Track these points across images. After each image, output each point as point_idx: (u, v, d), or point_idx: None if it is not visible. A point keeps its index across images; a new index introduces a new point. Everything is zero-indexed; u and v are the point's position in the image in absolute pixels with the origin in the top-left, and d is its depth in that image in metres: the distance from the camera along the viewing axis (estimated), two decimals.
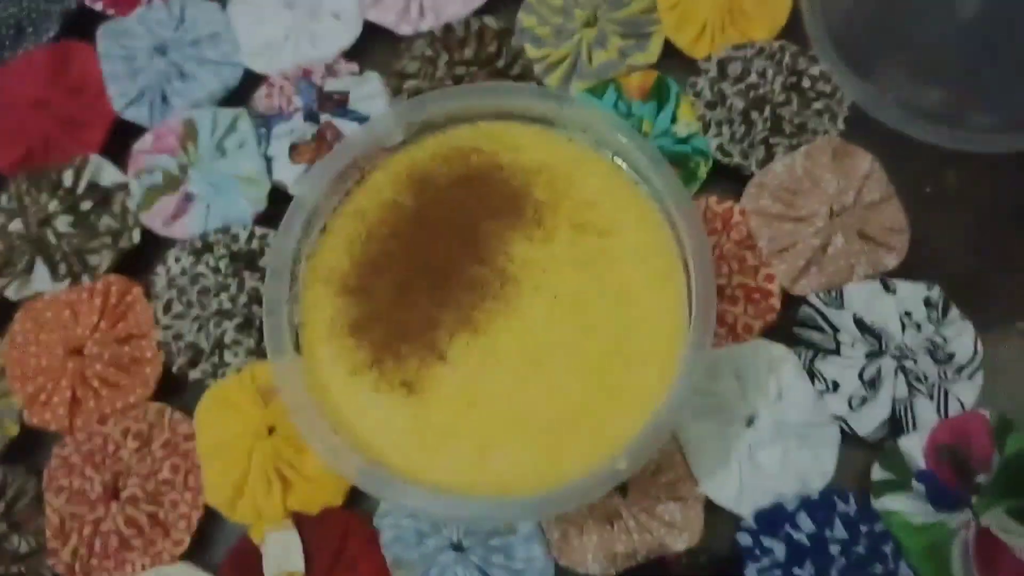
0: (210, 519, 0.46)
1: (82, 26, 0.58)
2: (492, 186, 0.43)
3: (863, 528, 0.43)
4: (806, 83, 0.50)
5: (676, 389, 0.38)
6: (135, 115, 0.54)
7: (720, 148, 0.50)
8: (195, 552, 0.45)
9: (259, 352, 0.48)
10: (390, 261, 0.41)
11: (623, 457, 0.37)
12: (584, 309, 0.40)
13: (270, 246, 0.49)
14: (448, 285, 0.41)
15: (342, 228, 0.43)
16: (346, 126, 0.52)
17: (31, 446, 0.48)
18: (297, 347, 0.41)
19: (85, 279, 0.50)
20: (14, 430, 0.47)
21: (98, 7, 0.58)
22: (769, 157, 0.49)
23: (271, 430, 0.45)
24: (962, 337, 0.45)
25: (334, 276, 0.42)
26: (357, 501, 0.45)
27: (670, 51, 0.53)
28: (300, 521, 0.44)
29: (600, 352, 0.40)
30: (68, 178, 0.52)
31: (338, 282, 0.42)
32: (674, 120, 0.51)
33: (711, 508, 0.44)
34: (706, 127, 0.50)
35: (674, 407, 0.38)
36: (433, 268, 0.41)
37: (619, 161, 0.44)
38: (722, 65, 0.51)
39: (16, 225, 0.51)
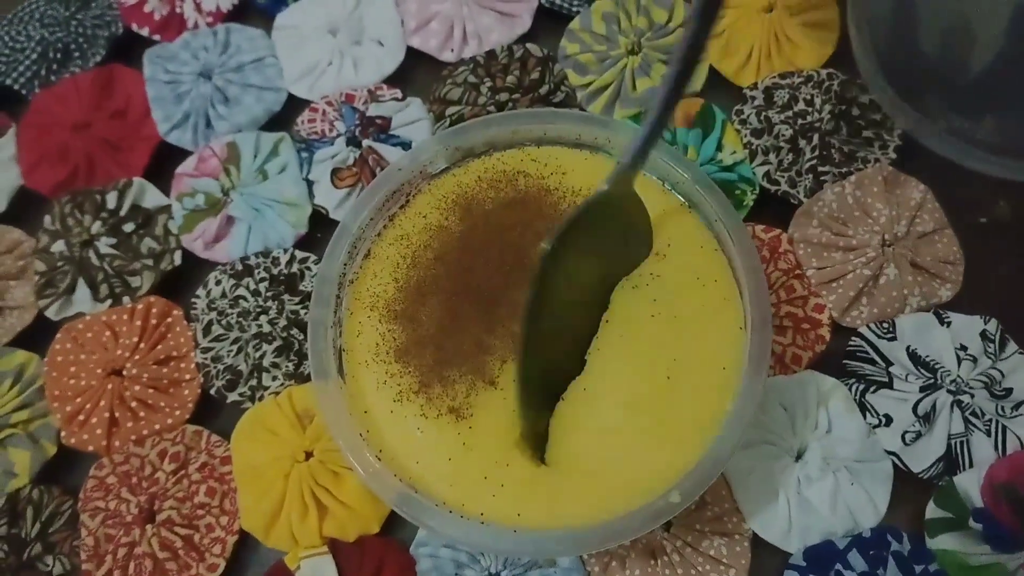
0: (245, 544, 0.45)
1: (128, 50, 0.59)
2: (540, 209, 0.42)
3: (917, 568, 0.41)
4: (855, 111, 0.50)
5: (733, 420, 0.37)
6: (179, 138, 0.54)
7: (767, 176, 0.49)
8: None
9: (298, 376, 0.47)
10: (436, 286, 0.41)
11: (677, 490, 0.36)
12: (637, 334, 0.39)
13: (315, 272, 0.49)
14: (497, 310, 0.40)
15: (386, 253, 0.43)
16: (388, 151, 0.52)
17: (68, 466, 0.48)
18: (340, 371, 0.40)
19: (126, 300, 0.50)
20: (51, 450, 0.47)
21: (144, 32, 0.59)
22: (817, 186, 0.48)
23: (308, 455, 0.45)
24: (1020, 372, 0.44)
25: (379, 302, 0.41)
26: (394, 529, 0.45)
27: (715, 78, 0.53)
28: (336, 548, 0.43)
29: (653, 379, 0.39)
30: (111, 200, 0.52)
31: (383, 307, 0.41)
32: (720, 148, 0.50)
33: (758, 544, 0.42)
34: (752, 155, 0.50)
35: (731, 439, 0.37)
36: (481, 293, 0.40)
37: (668, 186, 0.43)
38: (768, 93, 0.51)
39: (59, 246, 0.51)
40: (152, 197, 0.53)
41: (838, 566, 0.41)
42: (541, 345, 0.37)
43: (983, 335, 0.45)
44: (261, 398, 0.47)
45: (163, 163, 0.54)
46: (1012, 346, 0.45)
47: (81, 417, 0.47)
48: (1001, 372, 0.44)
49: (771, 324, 0.38)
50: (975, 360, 0.44)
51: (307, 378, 0.47)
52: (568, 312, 0.39)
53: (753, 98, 0.51)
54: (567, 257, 0.37)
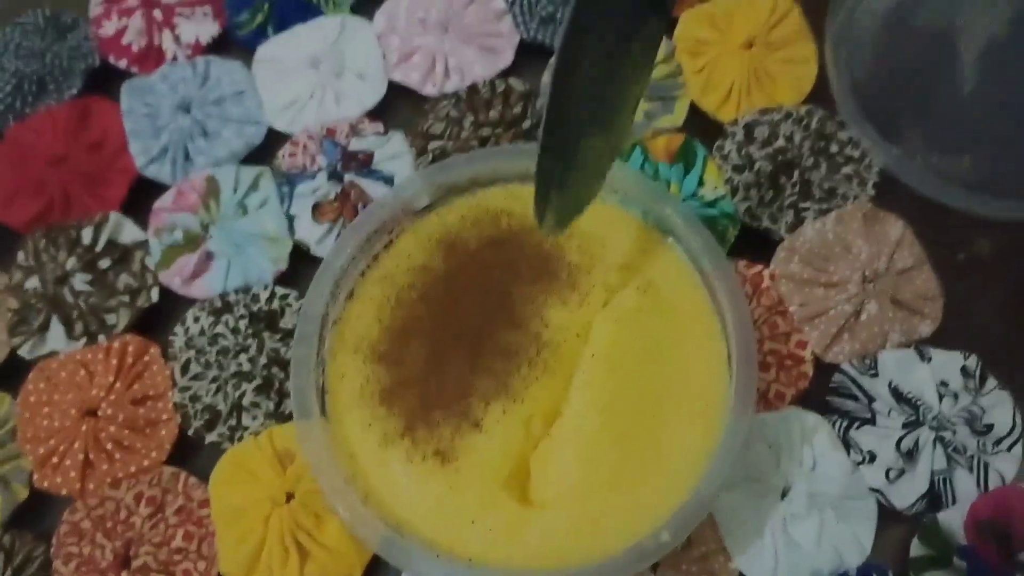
0: None
1: (105, 83, 0.58)
2: (524, 249, 0.42)
3: None
4: (834, 148, 0.50)
5: (721, 456, 0.37)
6: (157, 172, 0.54)
7: (748, 212, 0.49)
8: None
9: (278, 416, 0.46)
10: (420, 327, 0.41)
11: (666, 529, 0.35)
12: (622, 370, 0.39)
13: (296, 308, 0.48)
14: (482, 351, 0.40)
15: (370, 294, 0.42)
16: (370, 186, 0.51)
17: (40, 510, 0.47)
18: (323, 412, 0.40)
19: (101, 338, 0.49)
20: (23, 494, 0.46)
21: (122, 64, 0.58)
22: (798, 221, 0.49)
23: (289, 497, 0.44)
24: (1000, 408, 0.44)
25: (363, 344, 0.41)
26: (377, 574, 0.44)
27: (696, 114, 0.53)
28: None
29: (639, 418, 0.39)
30: (87, 235, 0.51)
31: (367, 349, 0.41)
32: (701, 183, 0.50)
33: None
34: (734, 191, 0.50)
35: (720, 475, 0.37)
36: (466, 333, 0.40)
37: (650, 221, 0.43)
38: (749, 129, 0.51)
39: (32, 282, 0.50)
40: (129, 232, 0.52)
41: None
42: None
43: (963, 371, 0.45)
44: (241, 438, 0.46)
45: (140, 197, 0.53)
46: (992, 382, 0.45)
47: (55, 459, 0.46)
48: (982, 408, 0.44)
49: (755, 358, 0.39)
50: (956, 396, 0.44)
51: (288, 417, 0.46)
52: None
53: (734, 134, 0.51)
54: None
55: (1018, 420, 0.44)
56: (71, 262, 0.50)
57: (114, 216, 0.52)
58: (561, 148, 0.34)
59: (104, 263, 0.51)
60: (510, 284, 0.41)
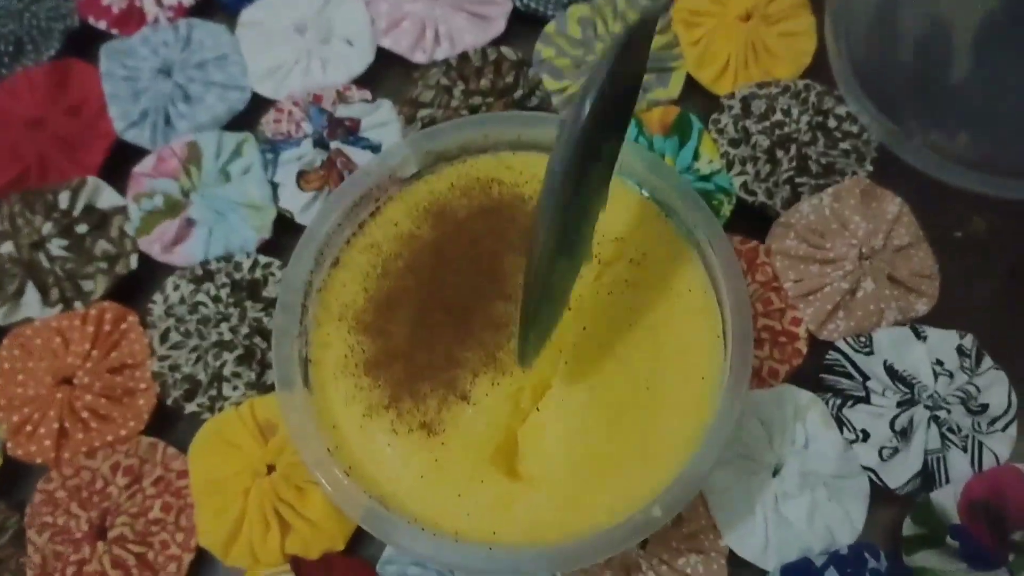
0: (202, 562, 0.43)
1: (84, 45, 0.56)
2: (516, 219, 0.41)
3: None
4: (832, 123, 0.49)
5: (714, 432, 0.36)
6: (136, 137, 0.52)
7: (744, 186, 0.48)
8: None
9: (260, 386, 0.45)
10: (407, 296, 0.39)
11: (657, 505, 0.35)
12: (614, 344, 0.38)
13: (280, 279, 0.47)
14: (471, 323, 0.38)
15: (355, 262, 0.41)
16: (357, 154, 0.50)
17: (14, 479, 0.46)
18: (306, 383, 0.38)
19: (78, 305, 0.48)
20: None
21: (101, 26, 0.56)
22: (795, 197, 0.48)
23: (270, 469, 0.43)
24: (996, 387, 0.44)
25: (348, 312, 0.40)
26: (360, 547, 0.43)
27: (692, 87, 0.52)
28: (299, 566, 0.42)
29: (632, 390, 0.37)
30: (64, 200, 0.50)
31: (352, 318, 0.39)
32: (696, 157, 0.49)
33: (735, 561, 0.42)
34: (729, 165, 0.49)
35: (713, 452, 0.36)
36: (454, 304, 0.39)
37: (646, 193, 0.42)
38: (746, 102, 0.50)
39: (7, 247, 0.49)
40: (107, 197, 0.50)
41: None
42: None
43: (959, 350, 0.44)
44: (221, 409, 0.45)
45: (119, 162, 0.52)
46: (988, 361, 0.44)
47: (29, 428, 0.44)
48: (977, 387, 0.44)
49: (752, 333, 0.38)
50: (951, 375, 0.44)
51: (270, 388, 0.45)
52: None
53: (730, 107, 0.50)
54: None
55: (1013, 400, 0.43)
56: (47, 227, 0.49)
57: (92, 180, 0.50)
58: (540, 284, 0.33)
59: (81, 228, 0.49)
60: (501, 254, 0.40)
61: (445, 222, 0.41)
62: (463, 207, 0.42)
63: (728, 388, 0.37)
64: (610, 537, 0.35)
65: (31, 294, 0.48)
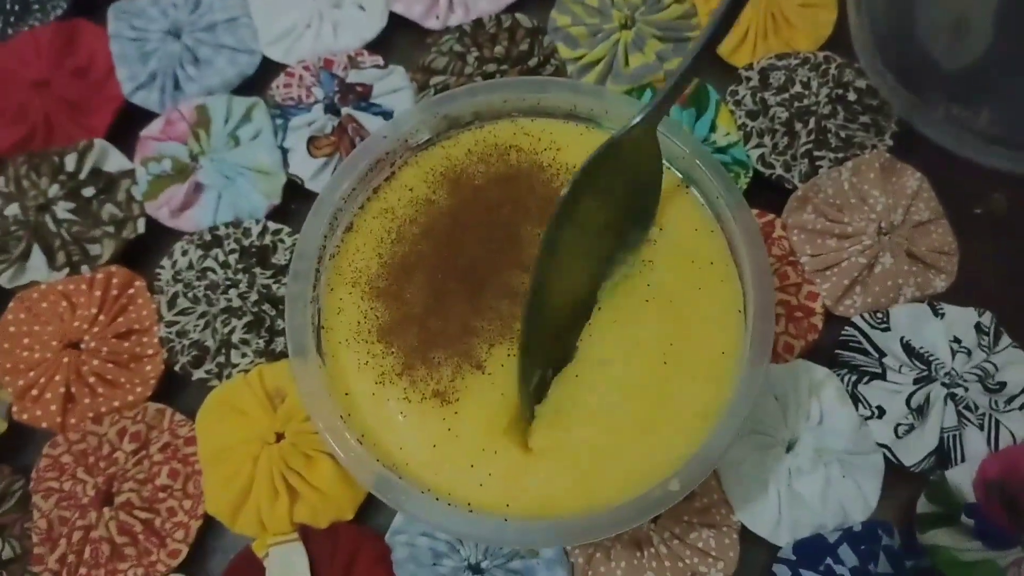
0: (210, 529, 0.43)
1: (91, 5, 0.55)
2: (534, 187, 0.40)
3: (908, 563, 0.40)
4: (852, 96, 0.49)
5: (734, 408, 0.35)
6: (144, 100, 0.51)
7: (761, 159, 0.48)
8: (192, 564, 0.42)
9: (268, 353, 0.45)
10: (422, 263, 0.39)
11: (676, 479, 0.34)
12: (630, 319, 0.38)
13: (289, 244, 0.46)
14: (486, 291, 0.38)
15: (369, 227, 0.40)
16: (368, 120, 0.49)
17: (19, 444, 0.45)
18: (319, 349, 0.38)
19: (84, 269, 0.47)
20: (2, 426, 0.44)
21: None
22: (813, 171, 0.47)
23: (279, 437, 0.42)
24: (1014, 366, 0.43)
25: (361, 278, 0.39)
26: (369, 516, 0.43)
27: (710, 57, 0.51)
28: (307, 535, 0.41)
29: (650, 364, 0.37)
30: (70, 163, 0.49)
31: (365, 284, 0.39)
32: (713, 128, 0.48)
33: (747, 537, 0.41)
34: (747, 137, 0.48)
35: (732, 427, 0.35)
36: (470, 272, 0.38)
37: (665, 162, 0.41)
38: (764, 74, 0.49)
39: (13, 209, 0.48)
40: (115, 161, 0.50)
41: (828, 560, 0.40)
42: (548, 298, 0.35)
43: (977, 328, 0.44)
44: (229, 376, 0.44)
45: (127, 125, 0.51)
46: (1006, 339, 0.44)
47: (34, 392, 0.44)
48: (995, 365, 0.43)
49: (773, 311, 0.37)
50: (969, 353, 0.43)
51: (278, 356, 0.45)
52: (576, 266, 0.37)
53: (749, 79, 0.49)
54: (582, 202, 0.35)
55: None
56: (54, 189, 0.48)
57: (99, 143, 0.50)
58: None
59: (88, 191, 0.48)
60: (518, 223, 0.39)
61: (461, 188, 0.41)
62: (480, 173, 0.41)
63: (749, 362, 0.36)
64: (625, 512, 0.34)
65: (37, 257, 0.47)
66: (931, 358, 0.43)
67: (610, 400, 0.36)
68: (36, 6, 0.55)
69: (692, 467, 0.34)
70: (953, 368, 0.43)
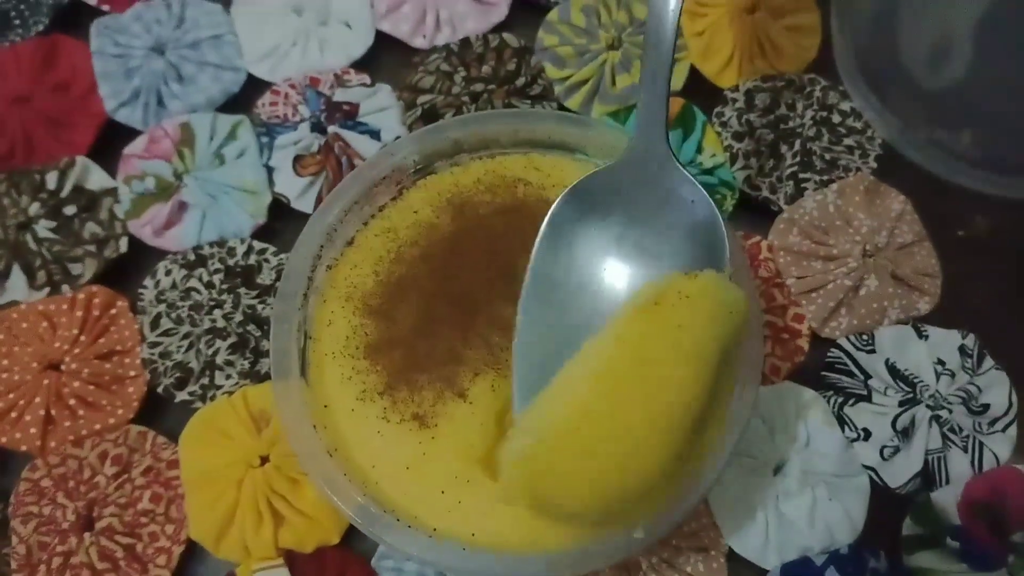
0: (193, 555, 0.42)
1: (74, 20, 0.54)
2: (537, 221, 0.39)
3: None
4: (836, 118, 0.49)
5: (719, 452, 0.35)
6: (127, 117, 0.51)
7: (747, 181, 0.48)
8: None
9: (253, 375, 0.44)
10: (417, 285, 0.39)
11: (641, 527, 0.34)
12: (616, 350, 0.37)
13: (276, 266, 0.46)
14: (477, 320, 0.38)
15: (370, 244, 0.40)
16: (355, 139, 0.49)
17: None
18: (303, 366, 0.38)
19: (65, 289, 0.46)
20: None
21: (92, 1, 0.55)
22: (798, 192, 0.48)
23: (263, 460, 0.42)
24: (997, 388, 0.44)
25: (356, 293, 0.39)
26: (355, 540, 0.42)
27: (696, 79, 0.52)
28: (292, 560, 0.41)
29: (632, 395, 0.36)
30: (52, 180, 0.48)
31: (359, 299, 0.39)
32: (699, 150, 0.49)
33: (735, 560, 0.41)
34: (733, 158, 0.49)
35: (714, 472, 0.35)
36: (463, 299, 0.38)
37: None
38: (750, 96, 0.50)
39: None
40: (97, 178, 0.49)
41: None
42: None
43: (961, 350, 0.44)
44: (213, 398, 0.44)
45: (110, 143, 0.50)
46: (989, 361, 0.44)
47: (13, 414, 0.43)
48: (978, 387, 0.43)
49: (762, 334, 0.37)
50: (953, 375, 0.44)
51: (263, 377, 0.44)
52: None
53: (734, 100, 0.50)
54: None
55: (1014, 400, 0.43)
56: (34, 207, 0.47)
57: (81, 161, 0.49)
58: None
59: (69, 210, 0.48)
60: (517, 255, 0.38)
61: (465, 216, 0.41)
62: (485, 203, 0.41)
63: (737, 398, 0.36)
64: (597, 552, 0.34)
65: (17, 277, 0.47)
66: (916, 380, 0.43)
67: (583, 440, 0.36)
68: (17, 21, 0.54)
69: (660, 517, 0.34)
70: (937, 390, 0.43)
